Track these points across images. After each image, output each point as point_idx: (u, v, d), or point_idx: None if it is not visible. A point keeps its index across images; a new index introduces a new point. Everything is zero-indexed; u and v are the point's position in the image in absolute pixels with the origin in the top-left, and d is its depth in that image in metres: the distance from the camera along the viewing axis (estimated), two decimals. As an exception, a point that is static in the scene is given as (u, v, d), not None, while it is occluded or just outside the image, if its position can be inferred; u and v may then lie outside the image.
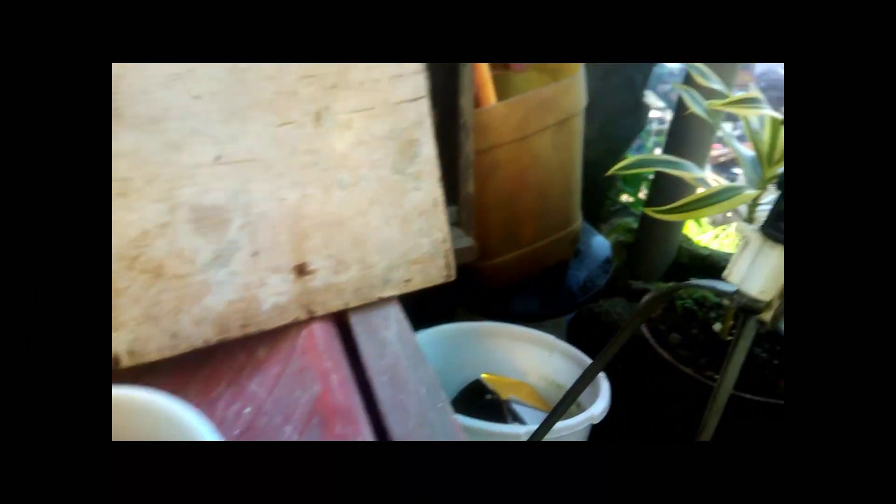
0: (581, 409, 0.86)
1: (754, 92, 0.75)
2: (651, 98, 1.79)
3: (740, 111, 0.75)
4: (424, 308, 1.24)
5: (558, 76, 1.23)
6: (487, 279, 1.28)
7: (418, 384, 0.48)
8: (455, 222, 0.96)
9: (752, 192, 0.78)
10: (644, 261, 1.42)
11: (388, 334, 0.54)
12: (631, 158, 0.85)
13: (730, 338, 0.91)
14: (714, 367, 0.88)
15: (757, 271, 0.40)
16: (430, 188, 0.59)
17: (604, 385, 0.90)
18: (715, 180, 0.80)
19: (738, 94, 0.76)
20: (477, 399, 1.00)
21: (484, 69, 1.02)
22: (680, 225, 1.43)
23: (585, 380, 0.58)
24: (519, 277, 1.31)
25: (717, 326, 0.92)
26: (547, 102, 1.07)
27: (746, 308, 0.41)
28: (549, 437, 0.76)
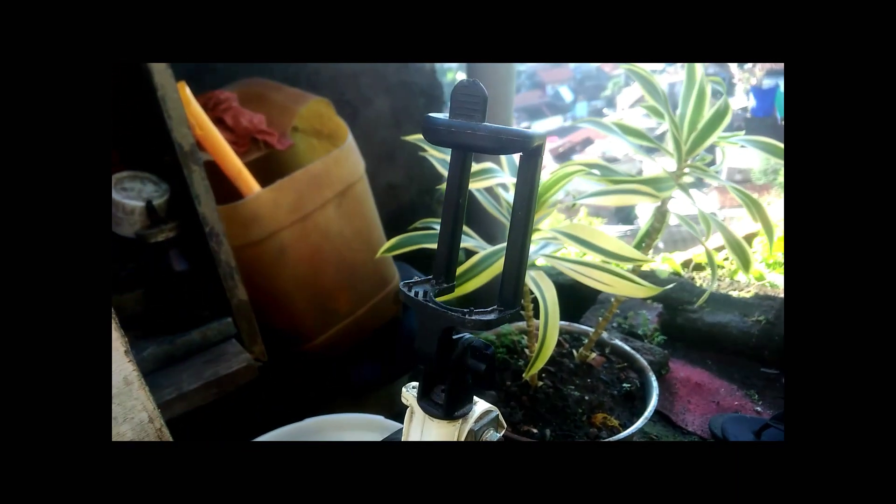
0: None
1: (489, 163, 0.75)
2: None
3: (477, 184, 0.74)
4: (271, 411, 1.13)
5: (336, 141, 1.18)
6: (320, 359, 1.20)
7: None
8: (234, 335, 0.87)
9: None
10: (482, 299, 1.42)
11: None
12: (396, 239, 0.81)
13: (540, 383, 0.91)
14: (530, 421, 0.87)
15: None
16: (115, 367, 0.49)
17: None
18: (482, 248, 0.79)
19: (479, 166, 0.75)
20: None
21: (233, 161, 0.94)
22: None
23: None
24: (350, 348, 1.25)
25: (526, 376, 0.91)
26: (319, 178, 1.01)
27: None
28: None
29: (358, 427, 1.03)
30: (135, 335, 0.80)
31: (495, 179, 0.78)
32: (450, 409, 0.35)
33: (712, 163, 0.91)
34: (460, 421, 0.36)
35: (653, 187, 0.80)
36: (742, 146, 0.87)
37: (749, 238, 1.94)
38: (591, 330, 0.97)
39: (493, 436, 0.38)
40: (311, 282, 1.10)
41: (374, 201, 1.18)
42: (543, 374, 0.93)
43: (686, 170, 0.86)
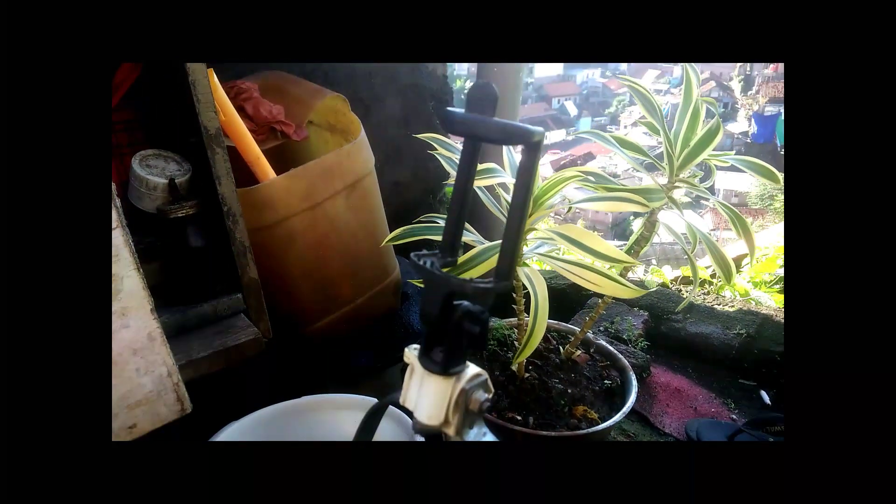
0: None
1: (492, 164, 0.81)
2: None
3: (479, 182, 0.80)
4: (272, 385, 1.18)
5: (349, 136, 1.24)
6: (320, 342, 1.25)
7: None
8: (242, 310, 0.92)
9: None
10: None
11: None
12: (400, 229, 0.87)
13: (526, 375, 0.96)
14: (515, 408, 0.92)
15: (423, 399, 0.41)
16: (141, 323, 0.55)
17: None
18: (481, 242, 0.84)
19: (482, 166, 0.80)
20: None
21: (252, 147, 0.99)
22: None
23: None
24: (349, 334, 1.29)
25: (514, 367, 0.96)
26: (331, 169, 1.07)
27: (423, 432, 0.42)
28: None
29: (353, 407, 1.08)
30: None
31: (497, 179, 0.84)
32: (446, 365, 0.40)
33: (705, 179, 0.97)
34: (454, 378, 0.41)
35: (643, 196, 0.86)
36: (732, 165, 0.93)
37: (739, 259, 2.00)
38: (579, 329, 1.02)
39: (482, 395, 0.43)
40: (316, 268, 1.15)
41: (380, 196, 1.24)
42: (530, 367, 0.98)
43: (677, 183, 0.92)
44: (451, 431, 0.43)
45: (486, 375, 0.44)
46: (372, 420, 0.51)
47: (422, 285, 0.43)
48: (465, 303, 0.40)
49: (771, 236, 2.52)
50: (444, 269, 0.40)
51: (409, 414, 0.45)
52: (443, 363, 0.40)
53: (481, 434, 0.44)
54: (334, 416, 1.09)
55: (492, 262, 0.81)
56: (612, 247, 0.79)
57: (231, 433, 0.98)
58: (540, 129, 0.34)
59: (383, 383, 1.25)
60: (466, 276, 0.78)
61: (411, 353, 0.43)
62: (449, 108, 0.35)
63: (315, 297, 1.19)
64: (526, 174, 0.36)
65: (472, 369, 0.43)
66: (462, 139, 0.37)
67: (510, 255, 0.38)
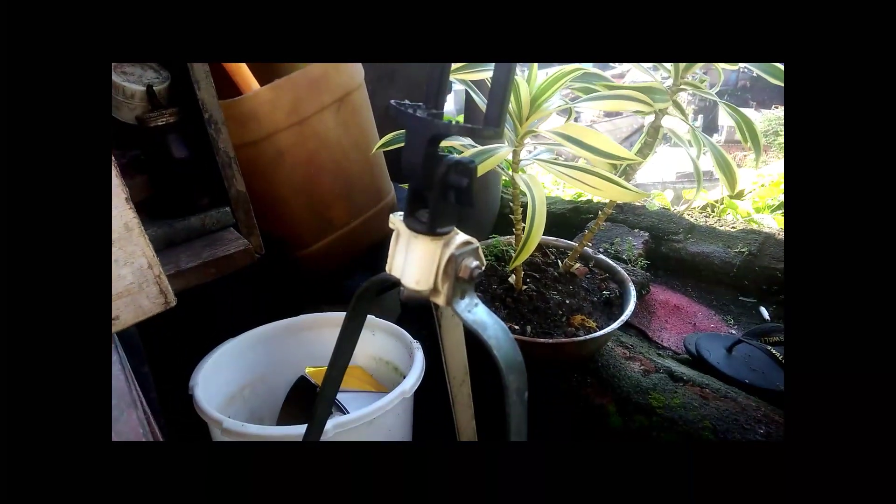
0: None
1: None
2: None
3: (464, 76, 0.75)
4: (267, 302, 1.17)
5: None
6: (314, 267, 1.24)
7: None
8: (232, 224, 0.89)
9: (507, 150, 0.79)
10: (468, 218, 1.45)
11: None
12: (391, 135, 0.83)
13: (524, 287, 0.95)
14: (513, 319, 0.91)
15: (410, 263, 0.39)
16: (115, 212, 0.52)
17: (417, 357, 0.90)
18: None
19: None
20: (304, 396, 0.97)
21: (233, 54, 0.94)
22: (496, 177, 1.46)
23: (333, 378, 0.56)
24: (344, 260, 1.28)
25: (512, 279, 0.95)
26: (318, 81, 1.02)
27: (412, 299, 0.40)
28: (369, 417, 0.75)
29: (349, 326, 1.08)
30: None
31: (486, 73, 0.79)
32: (433, 224, 0.38)
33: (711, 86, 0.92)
34: (442, 240, 0.39)
35: (647, 95, 0.82)
36: (738, 66, 0.88)
37: (740, 194, 1.96)
38: (578, 243, 1.00)
39: (472, 263, 0.41)
40: (308, 188, 1.11)
41: (372, 115, 1.19)
42: (528, 280, 0.97)
43: (682, 86, 0.87)
44: (440, 301, 0.41)
45: (477, 244, 0.42)
46: (360, 304, 0.50)
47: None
48: (452, 155, 0.37)
49: (774, 169, 2.47)
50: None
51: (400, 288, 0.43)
52: (429, 222, 0.38)
53: (472, 304, 0.42)
54: (331, 334, 1.09)
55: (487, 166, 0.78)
56: (615, 143, 0.76)
57: (228, 349, 0.98)
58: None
59: (381, 307, 1.24)
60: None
61: (395, 218, 0.40)
62: None
63: (308, 220, 1.16)
64: None
65: (461, 236, 0.41)
66: None
67: (500, 99, 0.35)
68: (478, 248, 0.42)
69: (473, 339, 0.41)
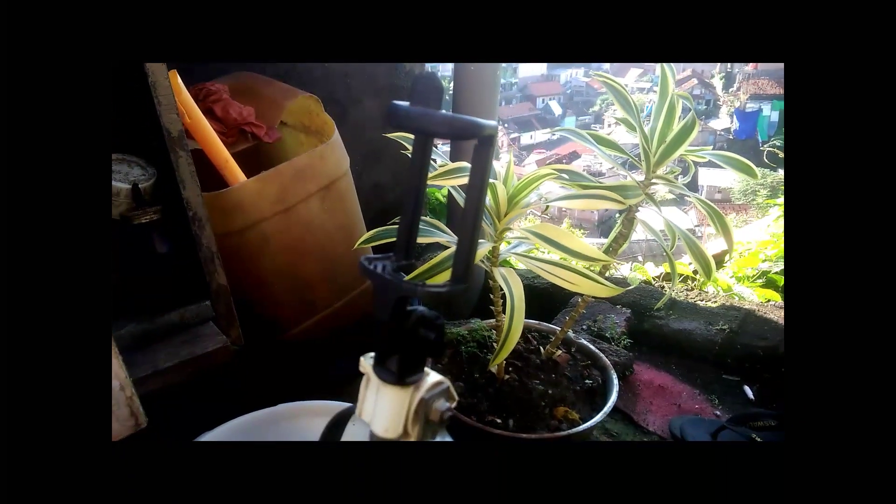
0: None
1: (457, 164, 0.79)
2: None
3: (445, 182, 0.78)
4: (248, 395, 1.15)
5: (323, 137, 1.22)
6: (297, 348, 1.23)
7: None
8: (211, 318, 0.89)
9: (487, 246, 0.81)
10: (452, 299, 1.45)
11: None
12: (375, 231, 0.85)
13: (506, 376, 0.94)
14: (495, 411, 0.90)
15: (379, 411, 0.39)
16: (91, 334, 0.52)
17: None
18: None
19: (449, 166, 0.79)
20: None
21: (220, 150, 0.97)
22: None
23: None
24: (327, 340, 1.27)
25: (493, 368, 0.95)
26: (303, 171, 1.04)
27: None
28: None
29: (330, 414, 1.05)
30: (115, 313, 0.82)
31: (464, 179, 0.82)
32: (402, 374, 0.38)
33: (685, 175, 0.96)
34: (412, 388, 0.39)
35: (619, 193, 0.85)
36: (712, 161, 0.92)
37: (721, 256, 2.00)
38: (560, 329, 1.01)
39: (443, 405, 0.41)
40: (292, 272, 1.12)
41: (357, 198, 1.22)
42: (510, 369, 0.96)
43: (654, 180, 0.90)
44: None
45: (448, 383, 0.42)
46: (333, 432, 0.49)
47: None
48: (421, 308, 0.38)
49: (754, 231, 2.52)
50: (401, 272, 0.38)
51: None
52: (398, 372, 0.38)
53: (444, 445, 0.42)
54: (311, 424, 1.07)
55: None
56: (589, 245, 0.78)
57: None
58: (492, 122, 0.33)
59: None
60: (437, 280, 0.76)
61: (367, 362, 0.41)
62: (395, 102, 0.33)
63: (292, 302, 1.16)
64: (479, 171, 0.34)
65: (432, 377, 0.41)
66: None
67: (466, 257, 0.36)
68: (449, 387, 0.42)
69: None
